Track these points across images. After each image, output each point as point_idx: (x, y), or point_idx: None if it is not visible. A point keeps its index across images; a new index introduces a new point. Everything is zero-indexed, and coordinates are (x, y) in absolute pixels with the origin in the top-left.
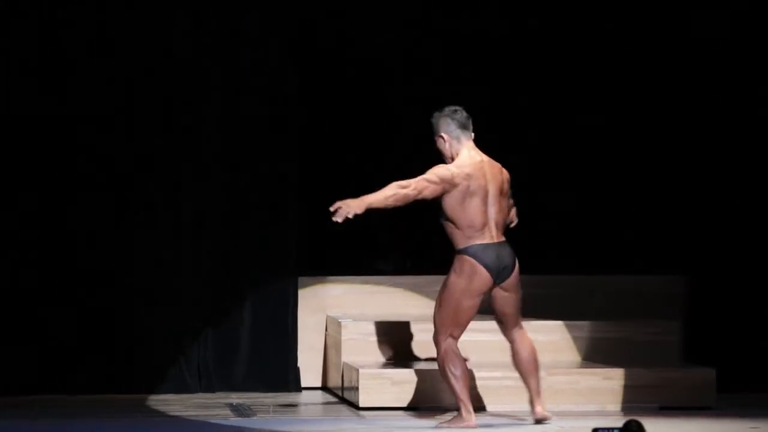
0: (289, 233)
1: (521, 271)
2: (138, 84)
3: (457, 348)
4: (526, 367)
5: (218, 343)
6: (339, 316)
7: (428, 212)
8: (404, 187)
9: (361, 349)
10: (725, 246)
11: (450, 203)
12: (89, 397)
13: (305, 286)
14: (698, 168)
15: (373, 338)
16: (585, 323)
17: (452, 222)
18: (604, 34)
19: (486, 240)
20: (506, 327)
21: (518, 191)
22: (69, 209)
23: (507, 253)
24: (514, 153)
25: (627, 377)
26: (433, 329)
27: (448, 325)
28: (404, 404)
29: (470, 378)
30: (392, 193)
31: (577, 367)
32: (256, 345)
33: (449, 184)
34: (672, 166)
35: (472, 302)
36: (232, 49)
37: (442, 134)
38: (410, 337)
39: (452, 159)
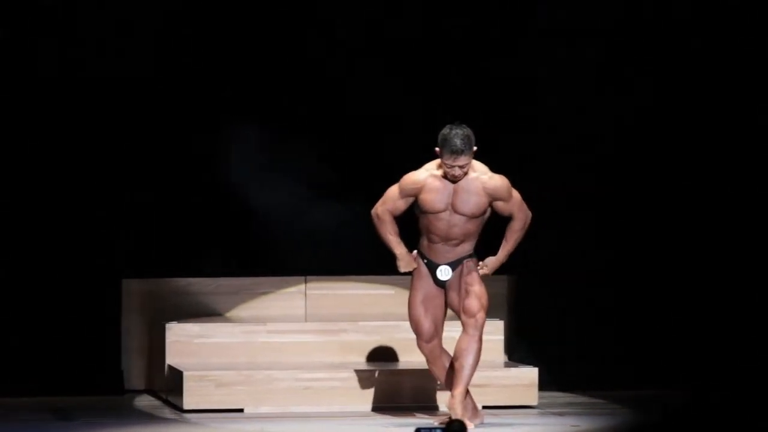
0: (113, 233)
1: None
2: None
3: None
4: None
5: (41, 344)
6: (163, 318)
7: (253, 214)
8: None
9: (186, 352)
10: (548, 245)
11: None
12: None
13: (130, 287)
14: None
15: (198, 340)
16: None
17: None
18: None
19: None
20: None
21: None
22: None
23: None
24: None
25: None
26: None
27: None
28: (229, 406)
29: None
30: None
31: (403, 367)
32: (80, 347)
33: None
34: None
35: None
36: None
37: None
38: (235, 338)
39: None
